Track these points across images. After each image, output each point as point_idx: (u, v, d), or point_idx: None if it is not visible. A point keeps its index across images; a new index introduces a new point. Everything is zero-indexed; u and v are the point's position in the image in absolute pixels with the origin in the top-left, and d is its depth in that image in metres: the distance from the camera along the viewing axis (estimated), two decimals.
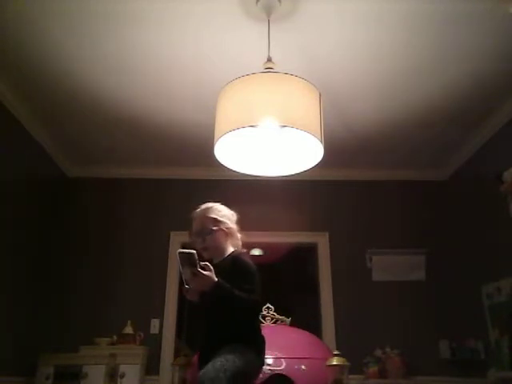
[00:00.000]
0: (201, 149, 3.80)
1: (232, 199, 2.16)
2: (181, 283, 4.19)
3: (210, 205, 2.00)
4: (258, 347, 1.80)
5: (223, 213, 1.98)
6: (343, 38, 2.75)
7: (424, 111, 3.46)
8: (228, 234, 1.95)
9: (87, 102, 3.39)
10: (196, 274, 1.68)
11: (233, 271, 1.80)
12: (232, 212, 2.03)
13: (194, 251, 1.68)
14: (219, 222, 1.94)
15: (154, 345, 3.80)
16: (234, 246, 1.98)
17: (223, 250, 1.94)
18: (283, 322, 2.77)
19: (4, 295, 3.27)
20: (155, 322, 3.92)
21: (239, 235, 2.01)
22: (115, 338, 3.71)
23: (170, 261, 4.11)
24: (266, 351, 1.87)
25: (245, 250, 1.97)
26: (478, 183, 3.75)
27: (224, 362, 1.61)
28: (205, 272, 1.68)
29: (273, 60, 2.34)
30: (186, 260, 1.67)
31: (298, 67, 2.56)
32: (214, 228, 1.92)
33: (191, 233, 1.97)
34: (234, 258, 1.88)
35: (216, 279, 1.69)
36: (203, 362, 1.77)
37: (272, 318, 2.73)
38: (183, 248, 1.71)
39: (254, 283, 1.76)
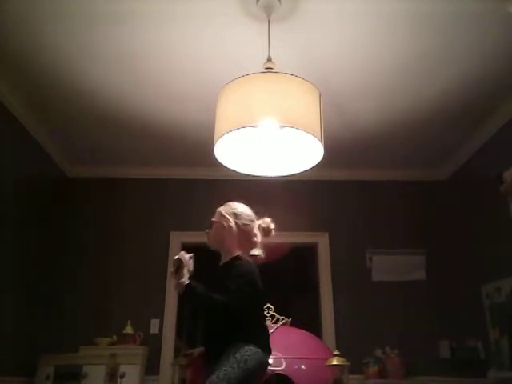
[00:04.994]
0: (201, 149, 3.79)
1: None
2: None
3: (229, 203, 2.07)
4: (259, 341, 1.81)
5: (236, 211, 2.01)
6: (343, 38, 2.75)
7: (424, 111, 3.46)
8: (230, 229, 1.96)
9: (87, 102, 3.39)
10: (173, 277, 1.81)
11: (228, 274, 1.84)
12: (249, 213, 2.04)
13: (176, 257, 1.81)
14: (223, 216, 1.99)
15: (153, 345, 3.80)
16: (244, 246, 1.98)
17: (226, 246, 1.96)
18: (284, 322, 2.77)
19: (4, 295, 3.27)
20: (155, 322, 3.92)
21: (256, 238, 2.01)
22: (115, 337, 3.71)
23: (170, 261, 4.11)
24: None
25: (248, 257, 1.96)
26: (478, 183, 3.74)
27: (228, 370, 1.64)
28: (179, 279, 1.78)
29: (273, 60, 2.34)
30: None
31: (297, 67, 2.56)
32: (214, 221, 2.00)
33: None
34: (233, 261, 1.91)
35: (187, 282, 1.77)
36: (206, 360, 1.83)
37: (272, 318, 2.73)
38: (184, 249, 1.86)
39: (238, 284, 1.78)
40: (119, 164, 4.31)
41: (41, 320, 3.77)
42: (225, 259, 1.98)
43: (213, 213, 2.08)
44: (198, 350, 2.11)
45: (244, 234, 1.98)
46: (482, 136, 3.68)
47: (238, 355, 1.69)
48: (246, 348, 1.73)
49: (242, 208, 2.04)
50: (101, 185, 4.35)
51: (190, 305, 1.84)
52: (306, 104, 2.14)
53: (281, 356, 2.38)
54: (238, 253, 1.95)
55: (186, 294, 1.78)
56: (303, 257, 4.89)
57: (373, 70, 3.02)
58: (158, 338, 3.87)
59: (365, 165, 4.31)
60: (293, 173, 2.47)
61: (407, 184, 4.38)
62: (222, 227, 1.97)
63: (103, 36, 2.73)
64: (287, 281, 5.50)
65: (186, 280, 1.76)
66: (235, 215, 1.99)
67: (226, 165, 2.40)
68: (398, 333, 3.87)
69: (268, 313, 2.72)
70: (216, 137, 2.19)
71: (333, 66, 2.98)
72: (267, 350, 1.85)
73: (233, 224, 1.97)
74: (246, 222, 1.99)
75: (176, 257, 1.80)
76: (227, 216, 1.99)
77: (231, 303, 1.73)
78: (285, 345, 2.48)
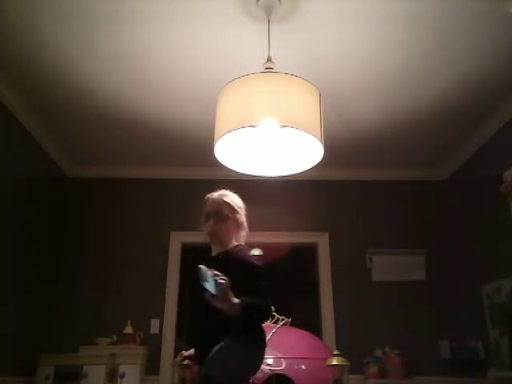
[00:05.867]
0: (201, 149, 3.80)
1: None
2: (181, 283, 4.18)
3: (228, 192, 2.02)
4: (256, 343, 1.81)
5: (239, 204, 2.01)
6: (343, 38, 2.75)
7: (424, 111, 3.46)
8: (238, 226, 1.96)
9: (87, 102, 3.39)
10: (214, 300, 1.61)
11: (238, 270, 1.76)
12: (244, 206, 2.04)
13: (202, 267, 1.62)
14: (235, 211, 1.96)
15: (153, 345, 3.80)
16: (238, 239, 1.98)
17: (228, 240, 1.94)
18: (284, 322, 2.77)
19: (4, 295, 3.26)
20: (155, 322, 3.92)
21: (244, 232, 2.01)
22: (115, 337, 3.71)
23: (170, 261, 4.12)
24: (266, 351, 1.87)
25: (246, 247, 1.97)
26: (478, 183, 3.74)
27: (231, 345, 1.64)
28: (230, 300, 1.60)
29: (273, 60, 2.34)
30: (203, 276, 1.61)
31: (297, 67, 2.56)
32: (230, 215, 1.94)
33: (202, 214, 1.98)
34: (238, 255, 1.88)
35: (237, 302, 1.60)
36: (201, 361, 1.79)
37: (272, 318, 2.73)
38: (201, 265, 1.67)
39: (261, 285, 1.77)
40: (119, 164, 4.31)
41: (41, 320, 3.77)
42: (219, 250, 1.94)
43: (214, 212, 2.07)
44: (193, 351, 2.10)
45: (241, 227, 2.00)
46: (482, 136, 3.68)
47: (237, 345, 1.68)
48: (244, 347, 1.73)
49: (239, 200, 2.04)
50: (101, 185, 4.35)
51: (246, 320, 1.65)
52: (306, 104, 2.14)
53: (281, 356, 2.38)
54: (235, 243, 1.94)
55: (243, 313, 1.61)
56: (303, 257, 4.89)
57: (373, 70, 3.02)
58: (158, 337, 3.87)
59: (365, 165, 4.31)
60: (293, 173, 2.47)
61: (407, 184, 4.38)
62: (233, 222, 1.95)
63: (103, 36, 2.73)
64: (287, 281, 5.50)
65: (234, 299, 1.61)
66: (241, 209, 2.00)
67: (226, 165, 2.40)
68: (398, 333, 3.87)
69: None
70: (216, 137, 2.19)
71: (333, 66, 2.98)
72: (262, 353, 1.85)
73: (243, 220, 1.98)
74: (243, 216, 2.01)
75: (223, 281, 1.58)
76: (238, 210, 1.97)
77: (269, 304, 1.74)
78: (285, 345, 2.49)
